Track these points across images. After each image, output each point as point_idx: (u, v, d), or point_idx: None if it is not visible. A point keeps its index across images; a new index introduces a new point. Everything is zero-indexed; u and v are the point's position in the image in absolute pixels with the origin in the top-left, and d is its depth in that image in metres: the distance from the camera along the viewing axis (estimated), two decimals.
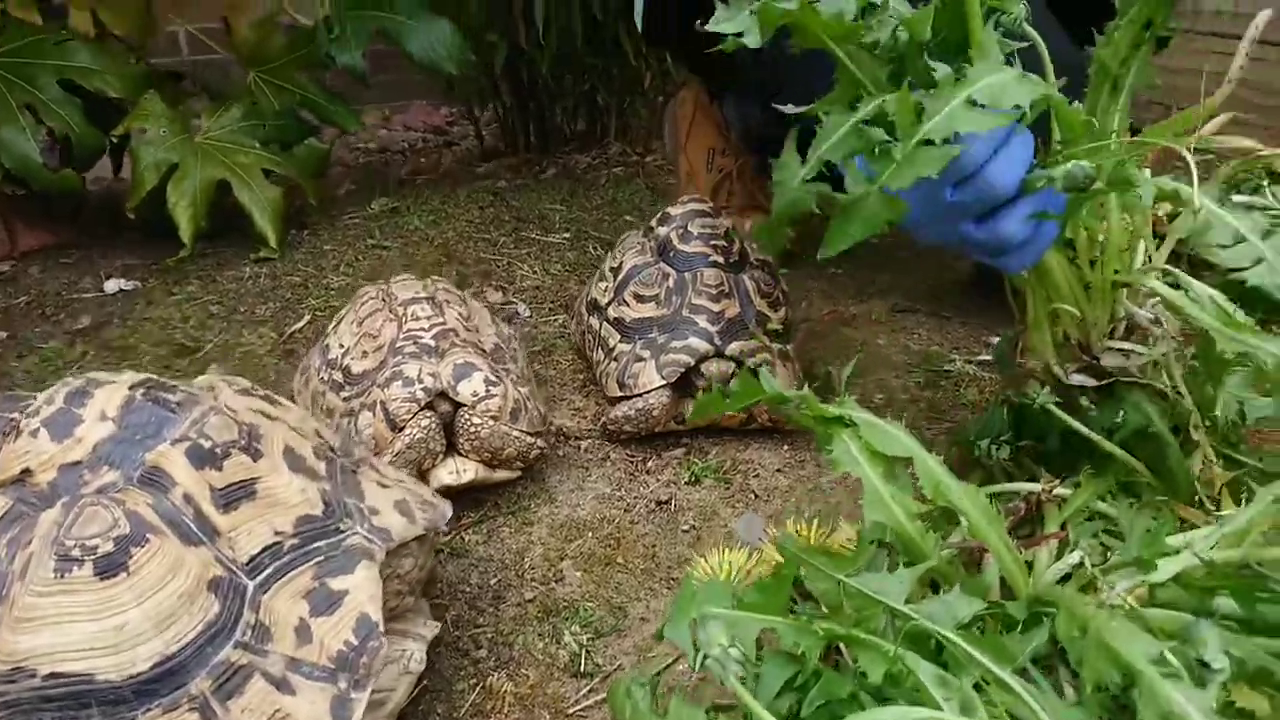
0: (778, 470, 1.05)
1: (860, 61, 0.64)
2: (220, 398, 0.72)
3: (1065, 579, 0.69)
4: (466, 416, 0.96)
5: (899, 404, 1.17)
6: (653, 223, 1.22)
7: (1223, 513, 0.73)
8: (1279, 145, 0.98)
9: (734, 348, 1.08)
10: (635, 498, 1.02)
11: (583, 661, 0.80)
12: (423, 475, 0.97)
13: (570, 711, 0.76)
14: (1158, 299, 0.77)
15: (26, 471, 0.65)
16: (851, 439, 0.70)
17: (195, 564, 0.62)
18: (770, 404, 0.73)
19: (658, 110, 2.08)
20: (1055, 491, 0.78)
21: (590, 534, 0.96)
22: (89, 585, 0.59)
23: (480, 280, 1.54)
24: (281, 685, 0.61)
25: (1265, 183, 1.02)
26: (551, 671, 0.80)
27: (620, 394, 1.08)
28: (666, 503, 1.01)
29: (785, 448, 1.09)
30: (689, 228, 1.16)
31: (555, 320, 1.41)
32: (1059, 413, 0.80)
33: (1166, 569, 0.63)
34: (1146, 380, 0.80)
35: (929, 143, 0.59)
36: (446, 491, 0.95)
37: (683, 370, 1.06)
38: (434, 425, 0.96)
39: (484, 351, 1.03)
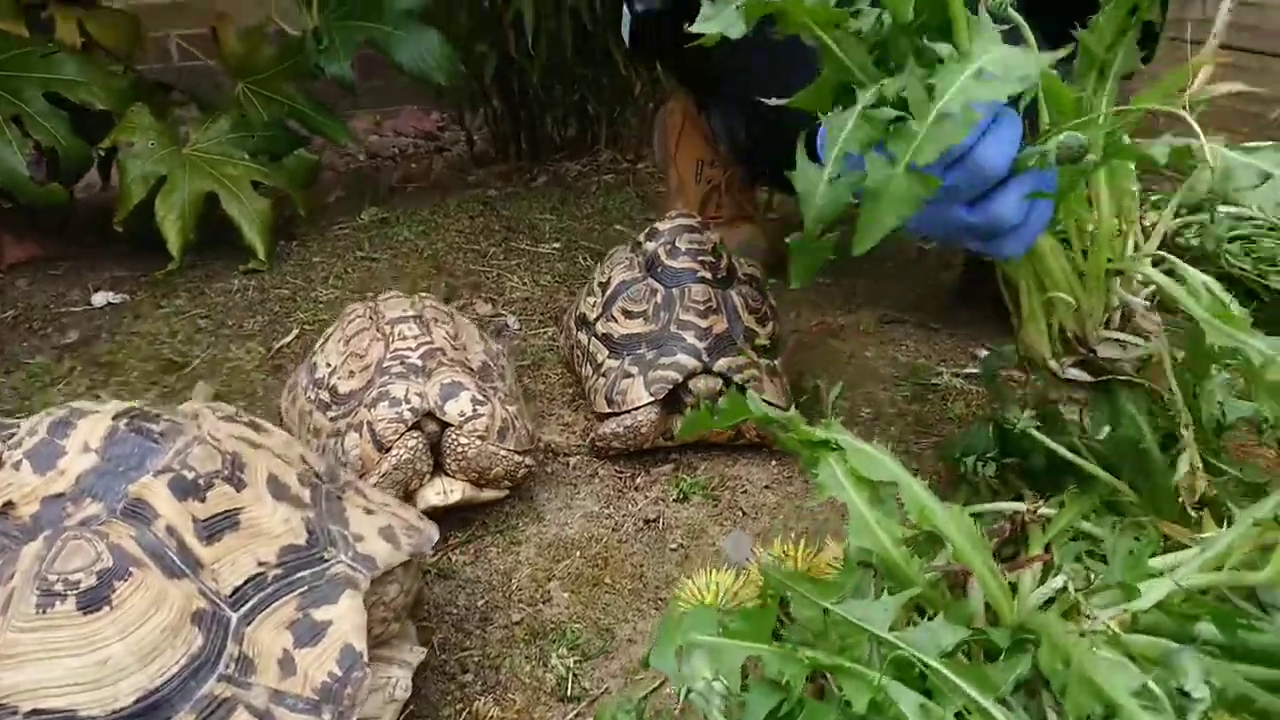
0: (765, 487, 1.06)
1: (847, 47, 0.63)
2: (204, 426, 0.71)
3: (1049, 603, 0.69)
4: (454, 436, 0.96)
5: (886, 418, 1.17)
6: (640, 237, 1.22)
7: (1205, 534, 0.73)
8: None
9: (722, 364, 1.08)
10: (623, 516, 1.02)
11: (570, 685, 0.80)
12: (410, 495, 0.97)
13: None
14: (1153, 286, 0.77)
15: (9, 504, 0.64)
16: (837, 463, 0.70)
17: (178, 597, 0.62)
18: (757, 424, 0.73)
19: (648, 118, 2.08)
20: (1040, 512, 0.78)
21: (578, 553, 0.96)
22: (71, 620, 0.58)
23: (470, 292, 1.54)
24: (265, 718, 0.61)
25: None
26: (538, 695, 0.80)
27: (609, 410, 1.08)
28: (654, 521, 1.01)
29: (773, 463, 1.09)
30: (677, 243, 1.16)
31: (545, 333, 1.41)
32: (1040, 436, 0.80)
33: (1149, 596, 0.64)
34: (1140, 380, 0.80)
35: (946, 116, 0.58)
36: (433, 512, 0.95)
37: (671, 387, 1.06)
38: (421, 446, 0.96)
39: (471, 370, 1.03)
